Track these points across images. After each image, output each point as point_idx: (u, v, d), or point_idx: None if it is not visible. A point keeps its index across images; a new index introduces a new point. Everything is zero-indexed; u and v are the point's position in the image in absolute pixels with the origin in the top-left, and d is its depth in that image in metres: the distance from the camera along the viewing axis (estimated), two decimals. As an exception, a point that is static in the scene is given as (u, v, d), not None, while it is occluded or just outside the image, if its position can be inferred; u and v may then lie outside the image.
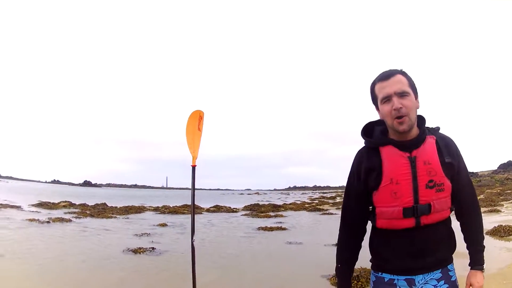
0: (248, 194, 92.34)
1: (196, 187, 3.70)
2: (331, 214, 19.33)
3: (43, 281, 5.54)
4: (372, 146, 1.79)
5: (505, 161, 70.23)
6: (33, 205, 20.28)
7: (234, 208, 23.86)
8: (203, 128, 3.73)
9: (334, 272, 1.91)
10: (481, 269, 1.79)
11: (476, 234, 1.81)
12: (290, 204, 30.14)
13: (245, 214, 19.89)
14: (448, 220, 1.77)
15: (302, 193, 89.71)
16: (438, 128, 1.83)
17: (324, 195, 56.11)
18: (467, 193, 1.80)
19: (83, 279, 5.73)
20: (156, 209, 22.10)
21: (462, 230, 1.84)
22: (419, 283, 1.70)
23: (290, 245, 9.44)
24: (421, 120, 1.78)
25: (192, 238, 3.59)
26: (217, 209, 23.00)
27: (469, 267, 1.81)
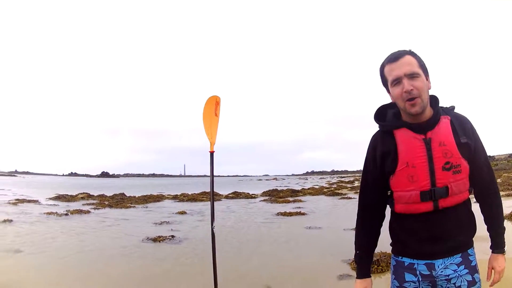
0: (266, 179, 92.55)
1: (214, 173, 3.73)
2: (350, 198, 19.24)
3: (64, 275, 5.54)
4: (386, 130, 1.77)
5: (523, 144, 68.17)
6: (50, 199, 20.38)
7: (252, 194, 24.00)
8: (220, 114, 3.75)
9: (354, 258, 1.91)
10: (502, 252, 1.76)
11: (496, 216, 1.78)
12: (308, 189, 30.11)
13: (264, 200, 19.97)
14: (467, 203, 1.73)
15: (320, 178, 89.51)
16: (453, 108, 1.79)
17: (342, 179, 55.92)
18: (485, 174, 1.76)
19: (104, 271, 5.78)
20: (174, 197, 22.33)
21: (482, 212, 1.81)
22: (438, 267, 1.68)
23: (309, 230, 9.46)
24: (434, 100, 1.74)
25: (212, 225, 3.65)
26: (236, 195, 23.16)
27: (490, 251, 1.79)
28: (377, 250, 1.95)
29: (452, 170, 1.64)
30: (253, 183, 63.89)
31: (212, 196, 3.79)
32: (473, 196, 1.79)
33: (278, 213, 13.09)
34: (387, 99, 1.83)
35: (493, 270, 1.77)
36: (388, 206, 1.83)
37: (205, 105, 3.72)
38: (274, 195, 22.89)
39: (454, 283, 1.67)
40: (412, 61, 1.67)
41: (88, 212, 13.93)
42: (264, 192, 25.55)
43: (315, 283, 5.05)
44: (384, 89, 1.81)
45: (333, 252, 6.64)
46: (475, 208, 1.78)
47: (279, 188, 30.26)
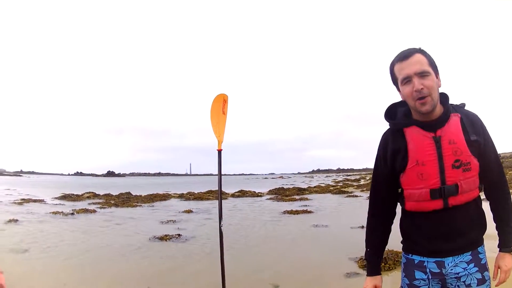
0: (272, 178, 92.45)
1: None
2: (356, 196, 19.21)
3: (71, 274, 5.54)
4: (396, 128, 1.77)
5: (530, 142, 67.59)
6: (56, 198, 20.41)
7: (259, 193, 24.05)
8: (227, 112, 3.73)
9: (362, 255, 1.92)
10: (510, 251, 1.74)
11: (505, 214, 1.77)
12: (314, 187, 30.11)
13: (270, 198, 19.99)
14: (477, 200, 1.73)
15: (326, 176, 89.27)
16: (463, 105, 1.78)
17: (348, 177, 55.76)
18: (495, 171, 1.75)
19: (111, 269, 5.79)
20: (180, 196, 22.31)
21: (491, 210, 1.80)
22: (448, 265, 1.68)
23: (316, 228, 9.46)
24: (444, 98, 1.73)
25: (220, 223, 3.66)
26: (242, 193, 23.22)
27: (498, 249, 1.77)
28: (385, 248, 1.95)
29: (462, 168, 1.64)
30: (259, 181, 63.90)
31: (220, 194, 3.80)
32: (483, 193, 1.78)
33: (284, 211, 13.09)
34: (395, 97, 1.84)
35: (499, 269, 1.76)
36: (398, 203, 1.84)
37: (212, 103, 3.70)
38: (280, 194, 22.92)
39: (464, 281, 1.67)
40: (422, 60, 1.66)
41: (94, 211, 13.93)
42: (270, 191, 25.58)
43: (322, 281, 5.04)
44: (393, 87, 1.81)
45: (340, 250, 6.63)
46: (485, 205, 1.77)
47: (285, 187, 30.32)
